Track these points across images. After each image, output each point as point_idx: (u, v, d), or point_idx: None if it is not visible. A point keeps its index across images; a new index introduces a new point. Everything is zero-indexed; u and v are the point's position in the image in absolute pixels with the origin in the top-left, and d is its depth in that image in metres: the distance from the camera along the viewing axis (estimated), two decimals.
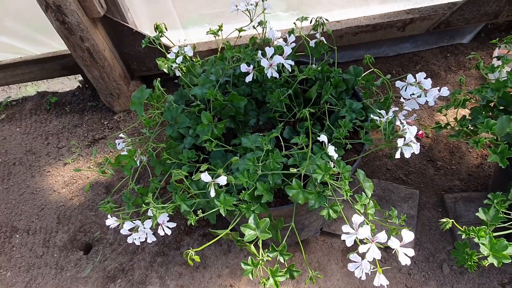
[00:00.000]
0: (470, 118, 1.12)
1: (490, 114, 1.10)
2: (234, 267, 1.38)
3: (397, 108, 1.05)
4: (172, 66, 1.22)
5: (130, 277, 1.41)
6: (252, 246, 0.90)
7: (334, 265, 1.33)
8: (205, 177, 0.85)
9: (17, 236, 1.62)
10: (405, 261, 0.74)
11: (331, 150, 0.88)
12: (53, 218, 1.65)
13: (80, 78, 2.17)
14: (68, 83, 2.41)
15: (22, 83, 2.38)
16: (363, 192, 0.95)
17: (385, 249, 1.33)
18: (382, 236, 0.73)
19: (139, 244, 1.09)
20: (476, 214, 0.91)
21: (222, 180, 0.86)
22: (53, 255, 1.53)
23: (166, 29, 1.22)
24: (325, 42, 1.22)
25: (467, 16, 1.77)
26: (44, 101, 2.17)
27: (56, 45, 1.94)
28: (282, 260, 0.91)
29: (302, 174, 0.92)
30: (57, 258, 1.52)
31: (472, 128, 1.11)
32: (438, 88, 1.03)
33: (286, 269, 0.91)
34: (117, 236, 1.53)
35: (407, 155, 0.92)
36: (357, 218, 0.77)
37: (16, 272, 1.51)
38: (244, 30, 1.25)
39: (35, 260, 1.53)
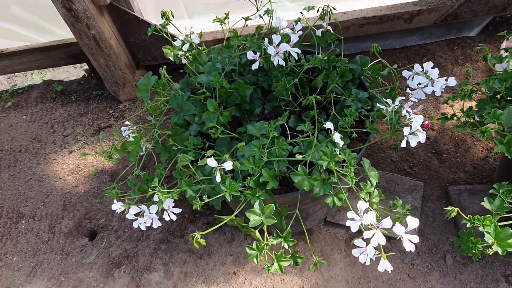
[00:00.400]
0: (476, 109, 1.12)
1: (497, 105, 1.10)
2: (237, 255, 1.38)
3: (403, 98, 1.05)
4: (178, 54, 1.22)
5: (135, 263, 1.43)
6: (256, 231, 0.90)
7: (338, 254, 1.34)
8: (211, 162, 0.85)
9: (23, 222, 1.64)
10: (409, 247, 0.75)
11: (337, 137, 0.88)
12: (58, 204, 1.66)
13: (86, 67, 2.17)
14: (73, 72, 2.42)
15: (28, 71, 2.39)
16: (368, 181, 0.95)
17: (389, 239, 1.34)
18: (387, 222, 0.73)
19: (145, 229, 1.11)
20: (482, 203, 0.91)
21: (228, 165, 0.86)
22: (59, 241, 1.55)
23: (173, 16, 1.22)
24: (332, 32, 1.21)
25: (475, 9, 1.76)
26: (50, 90, 2.18)
27: (62, 33, 1.94)
28: (286, 246, 0.91)
29: (308, 162, 0.92)
30: (63, 244, 1.54)
31: (478, 119, 1.10)
32: (445, 78, 1.03)
33: (290, 255, 0.91)
34: (122, 223, 1.55)
35: (413, 144, 0.92)
36: (362, 205, 0.77)
37: (22, 257, 1.53)
38: (251, 19, 1.25)
39: (41, 245, 1.55)
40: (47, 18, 1.89)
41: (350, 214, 0.78)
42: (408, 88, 1.11)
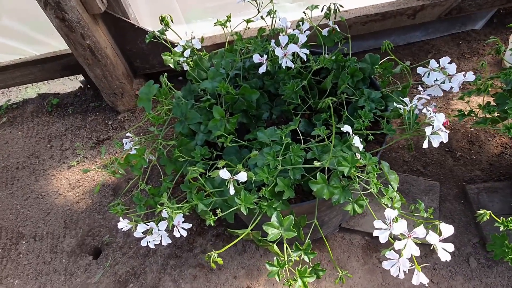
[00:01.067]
0: (495, 104, 1.07)
1: None
2: (250, 268, 1.32)
3: (421, 95, 1.00)
4: (179, 60, 1.16)
5: (143, 281, 1.36)
6: (275, 245, 0.84)
7: (355, 262, 1.28)
8: (224, 173, 0.80)
9: (24, 242, 1.57)
10: (445, 257, 0.69)
11: (356, 141, 0.83)
12: (60, 222, 1.60)
13: (82, 78, 2.12)
14: (69, 84, 2.36)
15: (22, 85, 2.32)
16: (389, 185, 0.90)
17: None
18: (420, 231, 0.67)
19: (153, 246, 1.04)
20: None
21: (242, 176, 0.80)
22: (62, 260, 1.48)
23: (172, 21, 1.16)
24: (339, 30, 1.16)
25: (479, 1, 1.72)
26: (45, 103, 2.12)
27: (56, 44, 1.88)
28: (306, 259, 0.85)
29: (326, 168, 0.86)
30: (66, 263, 1.47)
31: (498, 114, 1.05)
32: (463, 73, 0.98)
33: (311, 268, 0.86)
34: (127, 239, 1.48)
35: (435, 144, 0.87)
36: (390, 213, 0.72)
37: (24, 279, 1.46)
38: (253, 21, 1.20)
39: (43, 266, 1.48)
40: (39, 30, 1.83)
41: (377, 224, 0.72)
42: (420, 86, 1.06)
